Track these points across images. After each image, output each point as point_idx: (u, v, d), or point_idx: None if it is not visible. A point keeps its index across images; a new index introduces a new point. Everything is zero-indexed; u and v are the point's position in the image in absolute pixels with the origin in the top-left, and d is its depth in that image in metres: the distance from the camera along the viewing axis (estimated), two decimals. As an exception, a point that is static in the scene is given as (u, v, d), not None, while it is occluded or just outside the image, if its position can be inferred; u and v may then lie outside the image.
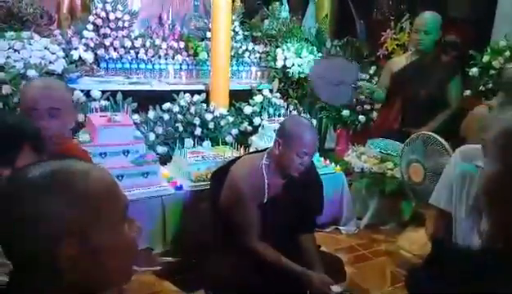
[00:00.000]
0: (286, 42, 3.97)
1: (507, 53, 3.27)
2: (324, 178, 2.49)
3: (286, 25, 4.29)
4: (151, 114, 3.08)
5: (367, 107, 3.70)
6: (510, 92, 2.83)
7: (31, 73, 2.65)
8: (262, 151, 2.06)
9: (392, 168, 2.80)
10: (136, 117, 2.92)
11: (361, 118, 3.65)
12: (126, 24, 3.66)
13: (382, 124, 3.38)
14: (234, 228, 1.88)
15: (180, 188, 2.35)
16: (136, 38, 3.61)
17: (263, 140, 2.79)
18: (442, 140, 2.48)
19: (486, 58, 3.28)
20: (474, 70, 3.29)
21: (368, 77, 3.89)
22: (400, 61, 3.35)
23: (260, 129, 2.88)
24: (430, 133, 2.50)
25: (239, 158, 2.10)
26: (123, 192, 0.77)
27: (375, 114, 3.59)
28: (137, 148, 2.30)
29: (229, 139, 3.13)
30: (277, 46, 4.08)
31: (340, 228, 2.83)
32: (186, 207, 2.34)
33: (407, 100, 3.20)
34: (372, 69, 4.46)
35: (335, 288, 1.83)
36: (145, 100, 3.16)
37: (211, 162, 2.51)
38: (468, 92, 3.29)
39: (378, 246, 2.69)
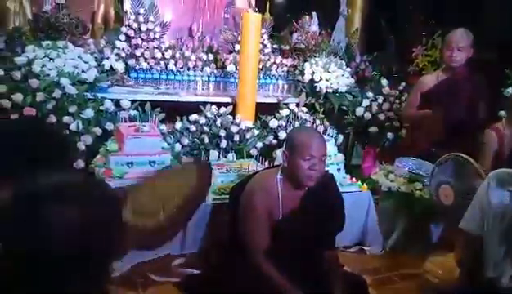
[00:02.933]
0: (315, 56, 3.95)
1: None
2: (349, 196, 2.45)
3: (315, 39, 4.28)
4: (178, 125, 3.11)
5: (396, 124, 3.62)
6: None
7: (64, 81, 2.72)
8: (278, 166, 2.05)
9: (421, 189, 2.71)
10: (163, 127, 2.95)
11: (390, 135, 3.57)
12: (157, 36, 3.73)
13: (411, 143, 3.29)
14: (243, 241, 1.88)
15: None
16: (166, 50, 3.66)
17: (288, 154, 2.76)
18: (475, 163, 2.39)
19: (522, 78, 3.17)
20: (510, 90, 3.19)
21: (398, 93, 3.82)
22: (431, 79, 3.26)
23: (285, 144, 2.84)
24: (462, 155, 2.41)
25: (256, 173, 2.10)
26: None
27: (403, 132, 3.51)
28: (164, 159, 2.31)
29: (254, 152, 3.11)
30: (305, 60, 4.06)
31: (365, 248, 2.75)
32: (208, 219, 2.33)
33: (437, 119, 3.11)
34: (402, 86, 4.38)
35: None
36: (172, 111, 3.20)
37: (235, 174, 2.50)
38: (503, 113, 3.18)
39: (404, 269, 2.59)
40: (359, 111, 3.49)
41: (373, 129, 3.45)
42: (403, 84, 4.24)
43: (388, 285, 2.44)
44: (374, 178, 2.92)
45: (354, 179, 2.84)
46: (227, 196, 2.38)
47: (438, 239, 2.85)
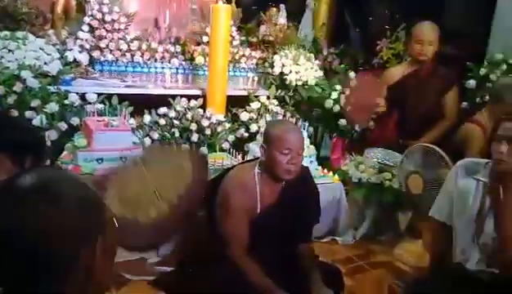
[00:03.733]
0: (283, 49, 3.96)
1: (503, 66, 3.31)
2: (321, 187, 2.47)
3: (284, 32, 4.28)
4: (147, 119, 3.04)
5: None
6: (497, 103, 2.86)
7: (25, 73, 2.58)
8: (255, 159, 2.04)
9: (391, 179, 2.78)
10: (131, 121, 2.87)
11: (357, 127, 3.64)
12: (122, 27, 3.61)
13: (379, 134, 3.38)
14: (223, 238, 1.87)
15: (177, 196, 2.30)
16: (132, 41, 3.55)
17: (261, 147, 2.75)
18: (442, 152, 2.48)
19: (483, 71, 3.30)
20: (471, 82, 3.31)
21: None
22: (397, 72, 3.35)
23: (258, 136, 2.85)
24: (430, 145, 2.49)
25: (234, 167, 2.08)
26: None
27: (371, 124, 3.58)
28: (135, 154, 2.24)
29: (226, 145, 3.09)
30: (274, 53, 4.06)
31: (337, 238, 2.80)
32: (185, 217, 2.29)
33: (405, 110, 3.20)
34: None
35: None
36: (140, 104, 3.11)
37: (209, 169, 2.46)
38: (465, 104, 3.31)
39: (375, 257, 2.68)
40: (328, 103, 3.53)
41: (342, 121, 3.50)
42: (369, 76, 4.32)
43: (361, 273, 2.50)
44: (344, 169, 2.98)
45: (326, 170, 2.88)
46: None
47: (407, 227, 2.95)
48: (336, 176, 2.82)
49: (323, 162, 3.41)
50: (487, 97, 3.07)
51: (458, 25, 4.25)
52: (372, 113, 3.38)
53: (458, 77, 3.33)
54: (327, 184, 2.71)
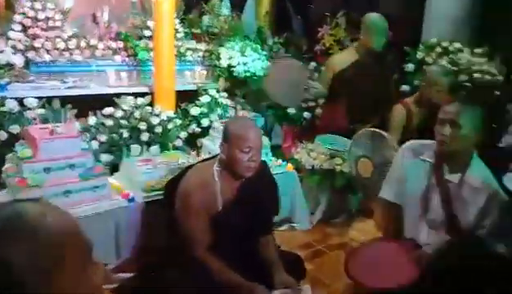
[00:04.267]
0: (229, 40, 3.94)
1: (438, 49, 3.52)
2: (277, 177, 2.52)
3: (228, 23, 4.25)
4: (92, 121, 2.92)
5: (312, 104, 3.78)
6: (428, 88, 3.06)
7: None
8: (213, 157, 2.05)
9: (341, 163, 2.89)
10: (76, 125, 2.74)
11: (307, 114, 3.73)
12: (58, 24, 3.42)
13: (328, 121, 3.47)
14: (186, 238, 1.86)
15: (132, 200, 2.25)
16: (69, 39, 3.37)
17: (215, 142, 2.75)
18: (387, 135, 2.61)
19: (420, 54, 3.49)
20: (410, 66, 3.50)
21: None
22: (343, 59, 3.43)
23: (211, 131, 2.84)
24: (375, 129, 2.61)
25: (192, 166, 2.07)
26: (84, 235, 0.73)
27: (319, 111, 3.68)
28: (84, 161, 2.16)
29: (178, 143, 3.04)
30: (220, 45, 4.03)
31: (294, 225, 2.88)
32: (140, 219, 2.25)
33: (353, 97, 3.31)
34: (311, 66, 4.56)
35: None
36: (84, 106, 2.98)
37: (164, 169, 2.43)
38: (405, 87, 3.49)
39: (331, 240, 2.78)
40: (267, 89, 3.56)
41: (291, 110, 3.57)
42: (313, 64, 4.43)
43: (320, 257, 2.60)
44: (297, 157, 3.05)
45: (280, 161, 2.93)
46: (158, 193, 2.32)
47: (359, 208, 3.08)
48: (290, 165, 2.88)
49: (275, 150, 3.46)
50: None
51: (393, 11, 4.43)
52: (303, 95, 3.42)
53: (398, 62, 3.50)
54: (281, 173, 2.76)
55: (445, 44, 3.62)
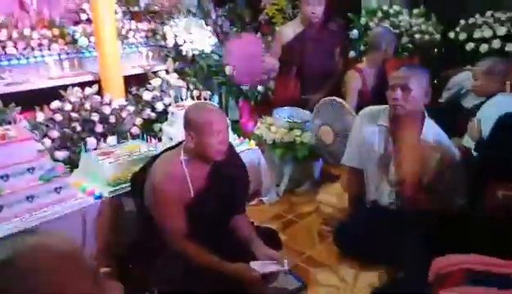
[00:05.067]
0: (172, 18, 3.80)
1: (379, 14, 3.63)
2: (242, 155, 2.55)
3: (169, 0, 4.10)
4: (40, 117, 2.74)
5: (264, 77, 3.79)
6: (375, 51, 3.21)
7: None
8: (176, 146, 2.03)
9: (300, 135, 2.96)
10: (24, 124, 2.56)
11: (260, 88, 3.74)
12: (-19, 15, 3.12)
13: (281, 93, 3.52)
14: (161, 229, 1.86)
15: (100, 196, 2.18)
16: (-1, 30, 3.10)
17: (175, 127, 2.70)
18: (345, 103, 2.71)
19: (363, 20, 3.60)
20: (355, 32, 3.60)
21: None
22: (289, 31, 3.46)
23: (170, 116, 2.76)
24: (334, 98, 2.71)
25: (156, 157, 2.03)
26: (86, 258, 0.73)
27: (272, 84, 3.71)
28: (43, 162, 2.04)
29: (135, 130, 2.95)
30: (162, 23, 3.89)
31: (262, 198, 2.94)
32: (111, 214, 2.19)
33: (302, 68, 3.36)
34: (258, 36, 4.54)
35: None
36: (27, 102, 2.79)
37: (127, 160, 2.36)
38: (352, 53, 3.60)
39: (300, 209, 2.88)
40: (228, 69, 3.55)
41: (245, 86, 3.57)
42: (258, 34, 4.41)
43: (291, 227, 2.68)
44: (258, 133, 3.08)
45: (242, 138, 2.94)
46: (125, 185, 2.26)
47: (321, 174, 3.20)
48: (252, 142, 2.90)
49: (233, 125, 3.47)
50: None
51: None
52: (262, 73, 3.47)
53: (343, 29, 3.58)
54: (246, 151, 2.78)
55: (385, 8, 3.75)
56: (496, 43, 3.57)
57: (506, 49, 3.52)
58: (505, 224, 1.92)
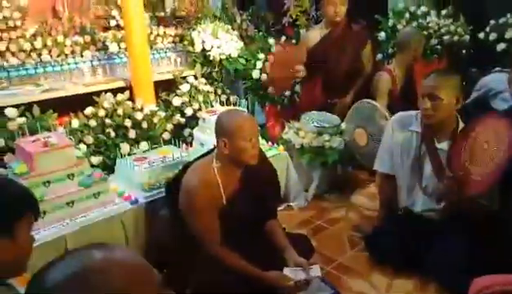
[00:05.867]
0: (199, 23, 3.85)
1: (407, 15, 3.60)
2: (271, 160, 2.57)
3: (194, 4, 4.15)
4: (75, 124, 2.82)
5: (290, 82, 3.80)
6: (404, 52, 3.18)
7: None
8: (208, 153, 2.06)
9: (329, 140, 2.96)
10: (61, 130, 2.64)
11: (287, 92, 3.75)
12: (18, 23, 3.22)
13: (307, 97, 3.53)
14: (197, 237, 1.90)
15: (136, 201, 2.24)
16: (34, 38, 3.20)
17: (206, 133, 2.74)
18: (379, 106, 2.72)
19: (390, 22, 3.57)
20: (382, 34, 3.57)
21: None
22: (314, 35, 3.46)
23: (201, 122, 2.81)
24: (368, 100, 2.72)
25: (188, 165, 2.06)
26: (154, 271, 0.75)
27: (298, 88, 3.71)
28: (82, 168, 2.11)
29: (166, 136, 3.00)
30: (189, 28, 3.93)
31: (291, 204, 2.95)
32: (147, 219, 2.24)
33: (328, 72, 3.36)
34: (282, 39, 4.54)
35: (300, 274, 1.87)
36: (61, 108, 2.88)
37: (161, 166, 2.41)
38: (379, 56, 3.58)
39: (329, 214, 2.88)
40: (255, 74, 3.57)
41: (271, 89, 3.58)
42: (283, 38, 4.42)
43: (321, 232, 2.69)
44: (286, 138, 3.09)
45: (270, 143, 2.97)
46: (159, 190, 2.31)
47: (351, 180, 3.19)
48: (281, 147, 2.92)
49: (260, 130, 3.49)
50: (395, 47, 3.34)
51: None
52: (292, 81, 3.50)
53: (370, 31, 3.56)
54: (275, 155, 2.80)
55: (412, 9, 3.71)
56: (529, 44, 3.49)
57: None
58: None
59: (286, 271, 1.88)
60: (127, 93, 3.08)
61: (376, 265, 2.30)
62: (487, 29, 3.80)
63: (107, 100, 2.96)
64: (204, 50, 3.68)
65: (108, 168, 2.67)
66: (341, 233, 2.65)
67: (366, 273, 2.26)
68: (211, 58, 3.66)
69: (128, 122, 2.91)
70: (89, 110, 2.90)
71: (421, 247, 2.17)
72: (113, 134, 2.84)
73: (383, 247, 2.33)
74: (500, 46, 3.65)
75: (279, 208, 2.89)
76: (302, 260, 1.97)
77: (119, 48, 3.53)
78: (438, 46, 3.59)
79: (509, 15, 3.75)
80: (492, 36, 3.72)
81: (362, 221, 2.74)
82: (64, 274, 0.64)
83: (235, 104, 2.98)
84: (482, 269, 1.87)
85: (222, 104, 3.07)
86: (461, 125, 2.26)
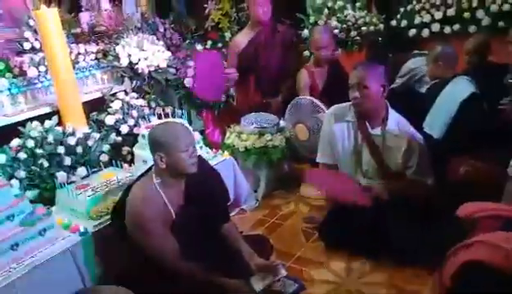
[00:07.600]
0: (122, 37, 3.72)
1: (326, 11, 3.77)
2: (217, 167, 2.58)
3: (113, 18, 4.00)
4: (2, 158, 2.61)
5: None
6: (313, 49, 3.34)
7: None
8: (146, 172, 2.03)
9: (271, 139, 3.03)
10: (-12, 168, 2.44)
11: (222, 97, 3.76)
12: None
13: (243, 100, 3.58)
14: (153, 257, 1.87)
15: (85, 232, 2.13)
16: None
17: (146, 149, 2.66)
18: (318, 102, 2.85)
19: (312, 18, 3.71)
20: (306, 32, 3.71)
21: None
22: (242, 39, 3.52)
23: (140, 139, 2.73)
24: (303, 97, 2.83)
25: (130, 187, 2.01)
26: None
27: (232, 91, 3.74)
28: (22, 207, 1.96)
29: (104, 158, 2.88)
30: (111, 42, 3.79)
31: (243, 207, 2.98)
32: (99, 249, 2.15)
33: (259, 73, 3.43)
34: (208, 44, 4.56)
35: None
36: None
37: (106, 191, 2.32)
38: (306, 53, 3.71)
39: (281, 210, 2.95)
40: (187, 82, 3.54)
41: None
42: (209, 42, 4.43)
43: (276, 230, 2.75)
44: (228, 143, 3.11)
45: (214, 150, 2.96)
46: (107, 216, 2.22)
47: (296, 174, 3.28)
48: (226, 152, 2.93)
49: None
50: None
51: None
52: (225, 86, 3.53)
53: (295, 30, 3.68)
54: (221, 162, 2.81)
55: (330, 4, 3.89)
56: (436, 27, 3.82)
57: (445, 32, 3.78)
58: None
59: (253, 280, 1.90)
60: (55, 118, 2.91)
61: (333, 252, 2.41)
62: (398, 16, 4.10)
63: (34, 129, 2.78)
64: (131, 63, 3.56)
65: (46, 201, 2.50)
66: (295, 227, 2.73)
67: (326, 262, 2.35)
68: (139, 71, 3.55)
69: (61, 149, 2.74)
70: (16, 142, 2.70)
71: (370, 228, 2.30)
72: (46, 164, 2.67)
73: (335, 234, 2.44)
74: (412, 32, 3.95)
75: (232, 213, 2.92)
76: (265, 263, 2.01)
77: (39, 72, 3.31)
78: (358, 38, 3.80)
79: (414, 2, 4.07)
80: (404, 23, 4.02)
81: (313, 212, 2.84)
82: None
83: (172, 115, 2.93)
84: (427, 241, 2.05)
85: (159, 116, 3.00)
86: (391, 110, 2.44)
